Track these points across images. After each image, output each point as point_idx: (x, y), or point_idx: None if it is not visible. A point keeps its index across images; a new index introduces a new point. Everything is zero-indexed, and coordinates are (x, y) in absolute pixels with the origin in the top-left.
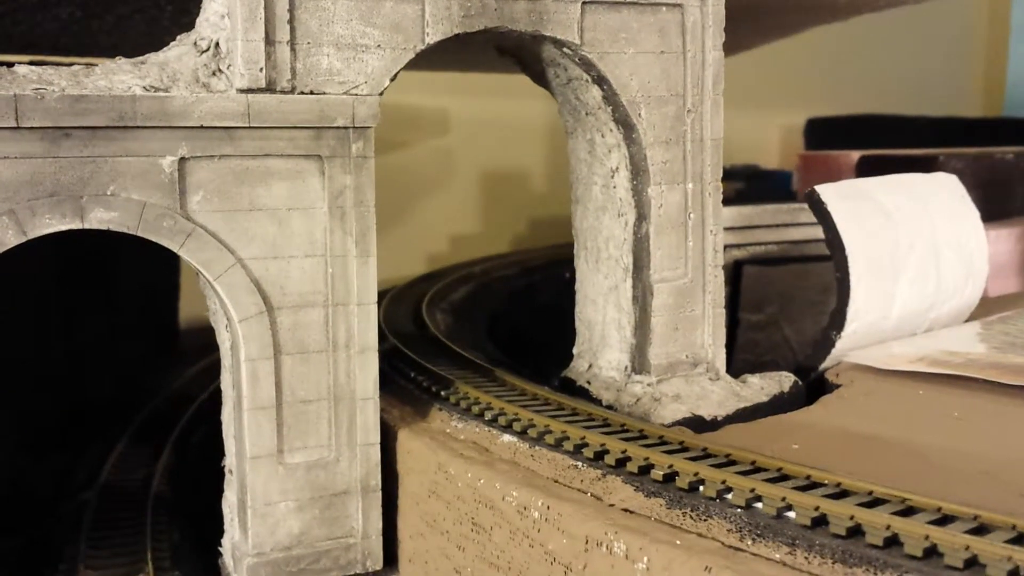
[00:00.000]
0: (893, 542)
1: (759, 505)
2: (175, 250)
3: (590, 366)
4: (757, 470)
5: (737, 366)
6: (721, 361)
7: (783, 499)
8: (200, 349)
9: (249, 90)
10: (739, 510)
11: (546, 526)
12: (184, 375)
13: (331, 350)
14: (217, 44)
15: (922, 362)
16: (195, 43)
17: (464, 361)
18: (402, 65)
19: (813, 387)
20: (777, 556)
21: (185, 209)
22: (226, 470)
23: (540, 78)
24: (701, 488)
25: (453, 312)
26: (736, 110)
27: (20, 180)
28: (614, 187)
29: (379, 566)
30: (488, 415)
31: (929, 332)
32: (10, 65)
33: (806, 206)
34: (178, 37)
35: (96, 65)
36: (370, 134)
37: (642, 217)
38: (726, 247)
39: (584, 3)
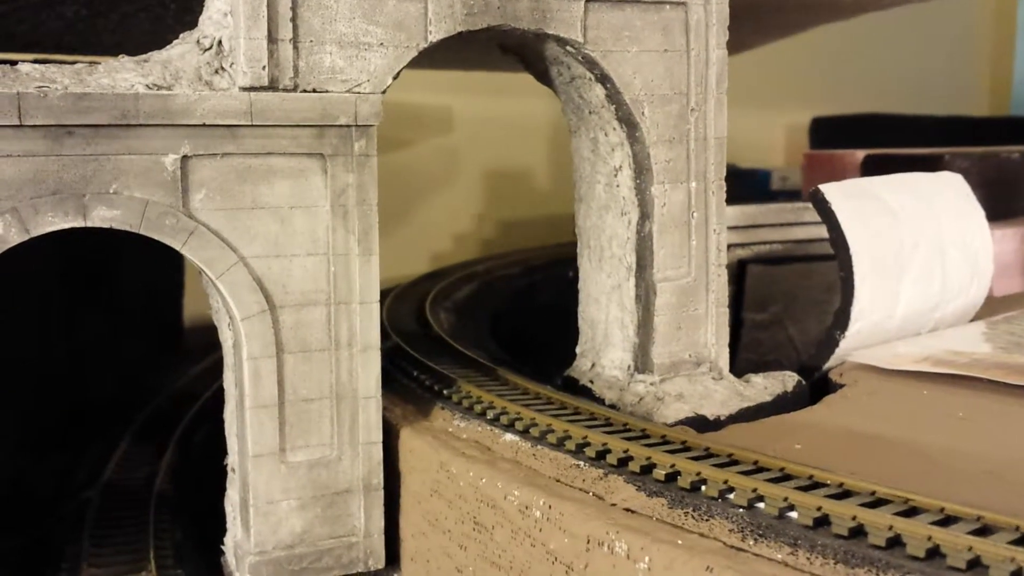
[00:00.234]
0: (896, 543)
1: (761, 505)
2: (177, 248)
3: (593, 365)
4: (759, 470)
5: (741, 365)
6: (724, 360)
7: (785, 499)
8: (204, 348)
9: (252, 88)
10: (741, 510)
11: (548, 525)
12: (188, 374)
13: (333, 348)
14: (220, 42)
15: (927, 362)
16: (198, 41)
17: (467, 360)
18: (405, 63)
19: (817, 387)
20: (779, 556)
21: (187, 207)
22: (228, 468)
23: (543, 76)
24: (703, 488)
25: (456, 311)
26: (742, 109)
27: (23, 178)
28: (617, 186)
29: (381, 565)
30: (490, 414)
31: (934, 332)
32: (14, 63)
33: (810, 205)
34: (181, 35)
35: (99, 63)
36: (373, 132)
37: (645, 216)
38: (730, 246)
39: (587, 1)
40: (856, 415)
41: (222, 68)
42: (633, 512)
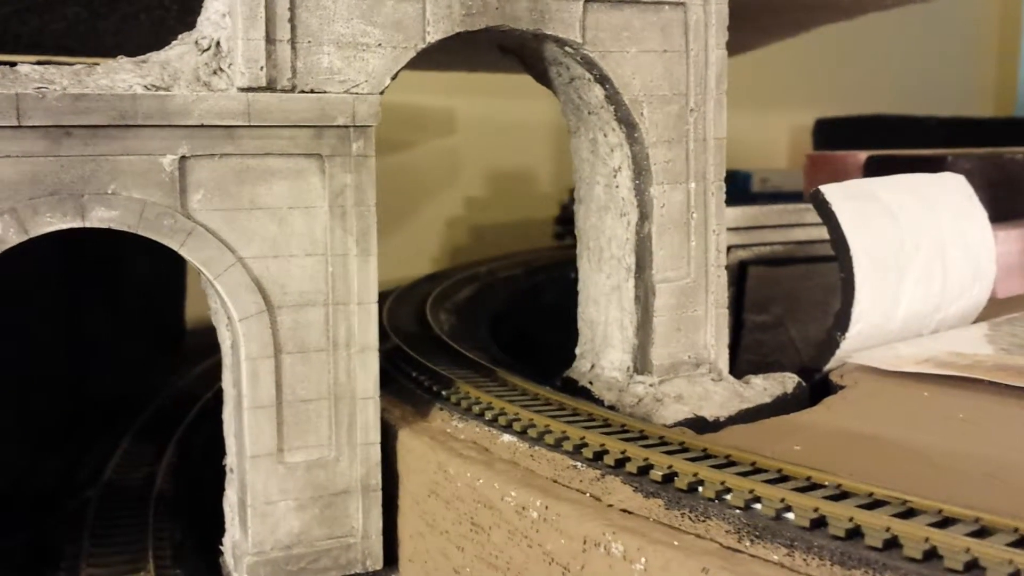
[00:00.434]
0: (893, 544)
1: (758, 506)
2: (175, 249)
3: (592, 366)
4: (757, 471)
5: (742, 367)
6: (724, 362)
7: (782, 500)
8: (206, 348)
9: (250, 89)
10: (738, 511)
11: (544, 526)
12: (189, 374)
13: (331, 349)
14: (218, 43)
15: (928, 363)
16: (196, 42)
17: (466, 361)
18: (403, 64)
19: (817, 388)
20: (775, 558)
21: (186, 208)
22: (227, 469)
23: (543, 77)
24: (700, 489)
25: (457, 312)
26: (745, 111)
27: (21, 178)
28: (616, 186)
29: (379, 566)
30: (488, 415)
31: (935, 333)
32: (13, 65)
33: (811, 206)
34: (180, 36)
35: (98, 64)
36: (371, 133)
37: (644, 217)
38: (731, 247)
39: (586, 1)
40: (856, 416)
41: (220, 69)
42: (630, 513)
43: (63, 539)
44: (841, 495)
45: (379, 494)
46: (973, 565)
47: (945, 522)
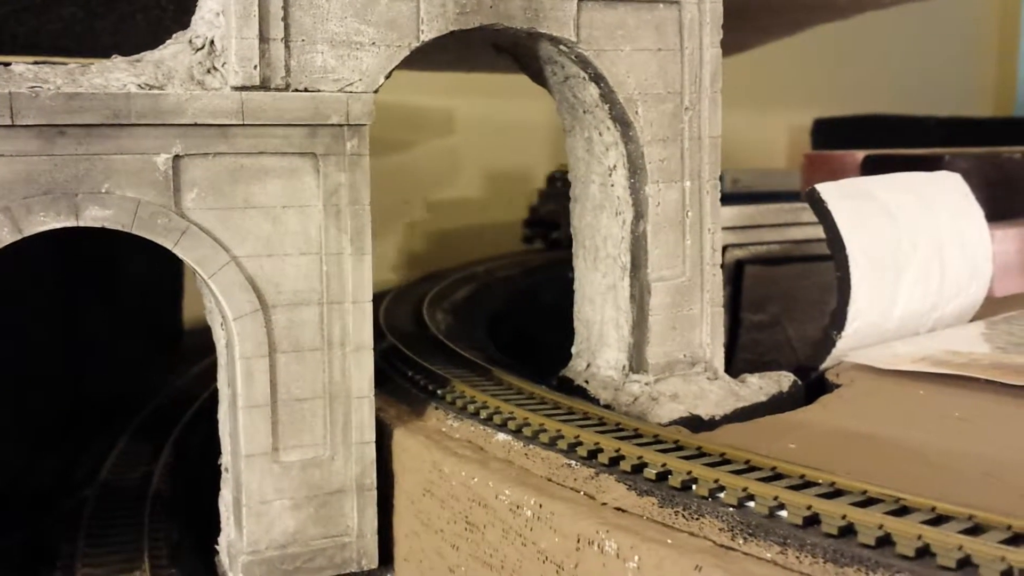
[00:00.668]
0: (885, 542)
1: (751, 504)
2: (169, 248)
3: (588, 365)
4: (751, 469)
5: (739, 366)
6: (719, 360)
7: (775, 498)
8: (204, 348)
9: (243, 88)
10: (731, 509)
11: (538, 525)
12: (187, 374)
13: (326, 348)
14: (212, 42)
15: (924, 362)
16: (190, 41)
17: (462, 360)
18: (397, 63)
19: (814, 387)
20: (768, 555)
21: (180, 207)
22: (222, 468)
23: (538, 76)
24: (694, 487)
25: (454, 312)
26: (743, 110)
27: (15, 178)
28: (612, 185)
29: (374, 565)
30: (484, 414)
31: (932, 332)
32: (7, 64)
33: (807, 205)
34: (174, 35)
35: (93, 64)
36: (365, 132)
37: (640, 215)
38: (728, 247)
39: (580, 0)
40: (852, 415)
41: (214, 68)
42: (624, 511)
43: (60, 538)
44: (835, 493)
45: (374, 493)
46: (966, 562)
47: (938, 520)
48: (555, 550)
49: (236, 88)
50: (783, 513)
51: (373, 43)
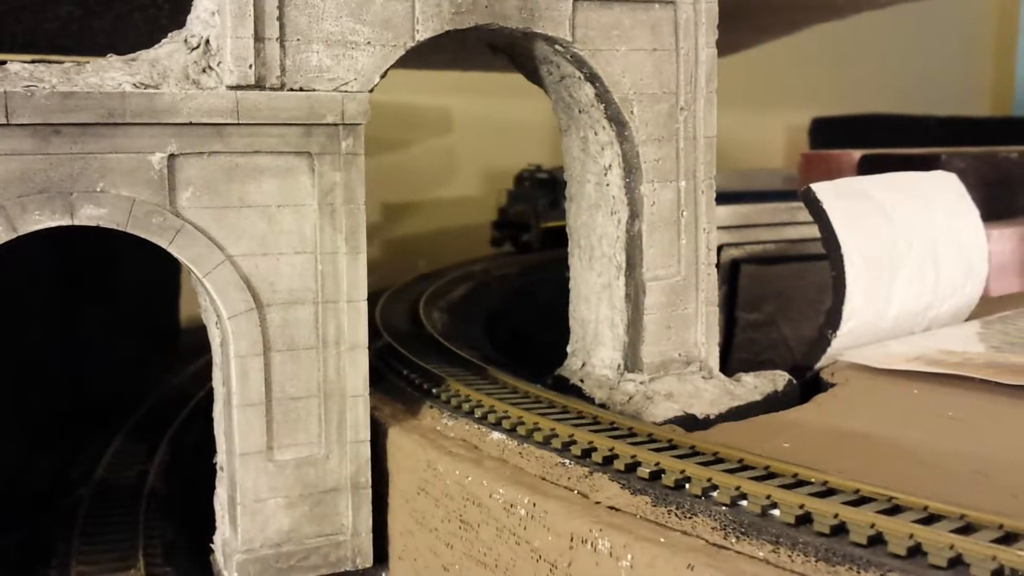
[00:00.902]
0: (877, 540)
1: (744, 503)
2: (164, 246)
3: (583, 364)
4: (744, 468)
5: (734, 365)
6: (714, 359)
7: (768, 497)
8: (201, 347)
9: (238, 87)
10: (724, 508)
11: (532, 523)
12: (184, 373)
13: (321, 347)
14: (207, 41)
15: (919, 361)
16: (185, 40)
17: (457, 359)
18: (392, 62)
19: (809, 386)
20: (760, 554)
21: (174, 206)
22: (217, 467)
23: (533, 76)
24: (687, 486)
25: (451, 311)
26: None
27: (10, 177)
28: (607, 185)
29: (369, 563)
30: (478, 412)
31: (927, 331)
32: (3, 63)
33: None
34: (169, 34)
35: (88, 63)
36: (360, 131)
37: (635, 215)
38: (724, 246)
39: (576, 0)
40: (846, 414)
41: (209, 67)
42: (617, 510)
43: (55, 537)
44: (827, 492)
45: (369, 492)
46: (957, 561)
47: (930, 519)
48: (548, 549)
49: (231, 87)
50: (776, 512)
51: (368, 42)
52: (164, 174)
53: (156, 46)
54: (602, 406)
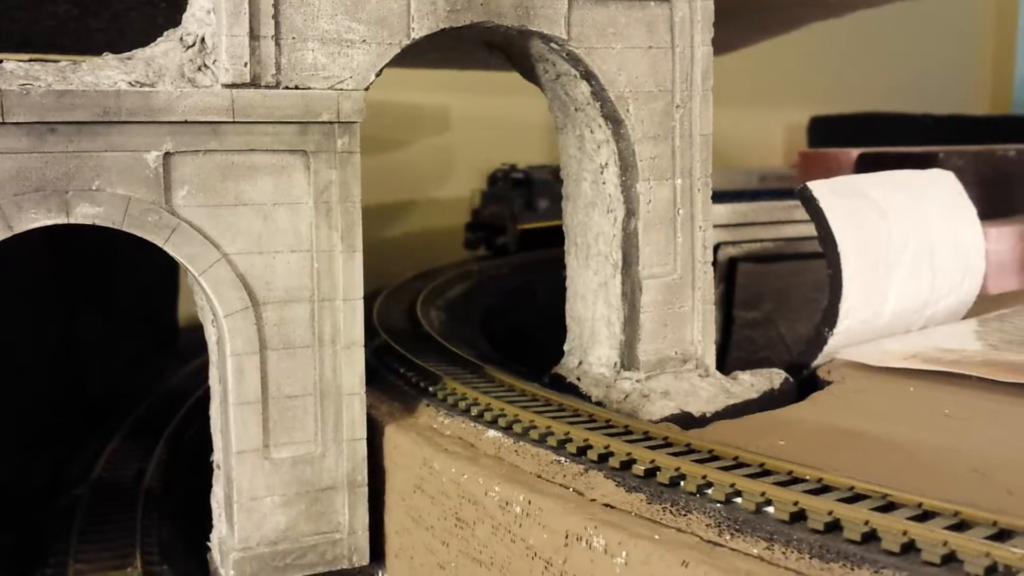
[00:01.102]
0: (871, 537)
1: (739, 500)
2: (160, 245)
3: (580, 363)
4: (739, 465)
5: (732, 364)
6: (711, 358)
7: (762, 494)
8: (199, 347)
9: (234, 85)
10: (719, 505)
11: (528, 521)
12: (182, 372)
13: (317, 345)
14: (203, 39)
15: (915, 359)
16: (181, 38)
17: (454, 357)
18: (388, 60)
19: (806, 384)
20: (755, 551)
21: (170, 204)
22: (214, 465)
23: (529, 74)
24: (682, 483)
25: (448, 309)
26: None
27: (6, 175)
28: (603, 183)
29: (365, 561)
30: (474, 411)
31: (924, 329)
32: None
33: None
34: (165, 33)
35: (84, 61)
36: (356, 129)
37: (631, 213)
38: (721, 244)
39: None
40: (842, 412)
41: (205, 65)
42: (612, 507)
43: (53, 536)
44: (822, 489)
45: (365, 490)
46: (951, 558)
47: (924, 516)
48: (544, 546)
49: (226, 86)
50: (770, 509)
51: (364, 40)
52: (160, 172)
53: (152, 44)
54: (599, 404)
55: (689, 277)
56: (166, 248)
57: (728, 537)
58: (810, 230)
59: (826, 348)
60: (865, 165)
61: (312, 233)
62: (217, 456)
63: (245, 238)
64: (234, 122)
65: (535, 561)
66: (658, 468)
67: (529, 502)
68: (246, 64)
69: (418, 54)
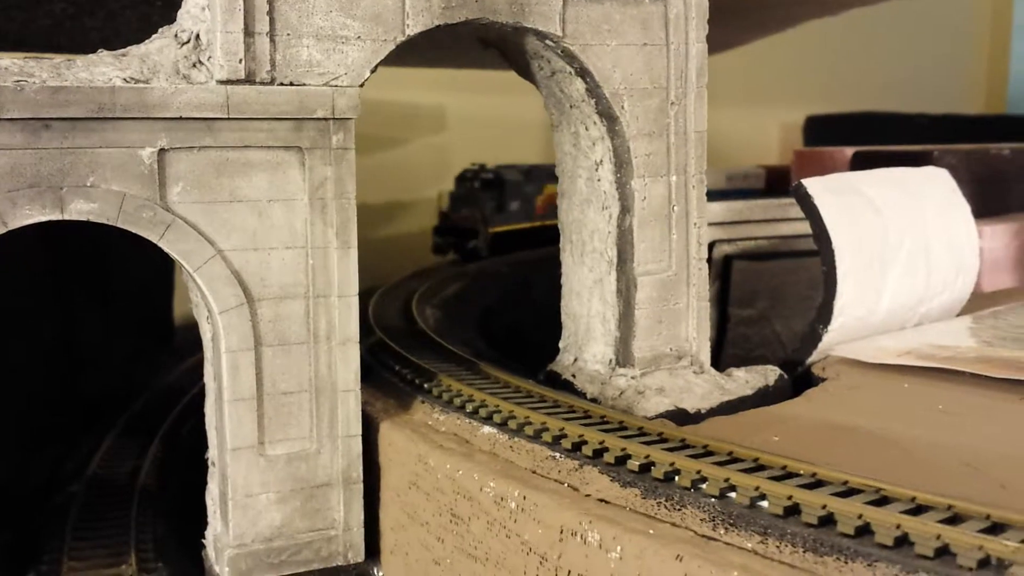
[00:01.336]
0: (865, 531)
1: (733, 495)
2: (154, 241)
3: (575, 359)
4: (733, 460)
5: (727, 361)
6: (705, 354)
7: (757, 488)
8: (195, 344)
9: (228, 81)
10: (713, 500)
11: (522, 516)
12: (177, 369)
13: (312, 342)
14: (198, 36)
15: (909, 355)
16: (176, 35)
17: (449, 354)
18: (382, 57)
19: (800, 381)
20: (749, 545)
21: (165, 200)
22: (209, 462)
23: (525, 71)
24: (676, 478)
25: (443, 308)
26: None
27: (0, 171)
28: (598, 180)
29: (361, 558)
30: (469, 407)
31: (918, 326)
32: None
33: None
34: (160, 30)
35: (79, 58)
36: (350, 125)
37: (626, 210)
38: (716, 242)
39: None
40: (836, 408)
41: (199, 62)
42: (607, 502)
43: (47, 533)
44: (816, 484)
45: (360, 486)
46: (944, 551)
47: (918, 509)
48: (539, 541)
49: (221, 82)
50: (764, 503)
51: (358, 37)
52: (154, 168)
53: (146, 41)
54: (594, 401)
55: (684, 274)
56: (161, 244)
57: (723, 531)
58: (805, 228)
59: (821, 345)
60: (860, 164)
61: (307, 229)
62: (212, 453)
63: (240, 234)
64: (229, 118)
65: (530, 556)
66: (653, 463)
67: (524, 498)
68: (241, 60)
69: (413, 51)
